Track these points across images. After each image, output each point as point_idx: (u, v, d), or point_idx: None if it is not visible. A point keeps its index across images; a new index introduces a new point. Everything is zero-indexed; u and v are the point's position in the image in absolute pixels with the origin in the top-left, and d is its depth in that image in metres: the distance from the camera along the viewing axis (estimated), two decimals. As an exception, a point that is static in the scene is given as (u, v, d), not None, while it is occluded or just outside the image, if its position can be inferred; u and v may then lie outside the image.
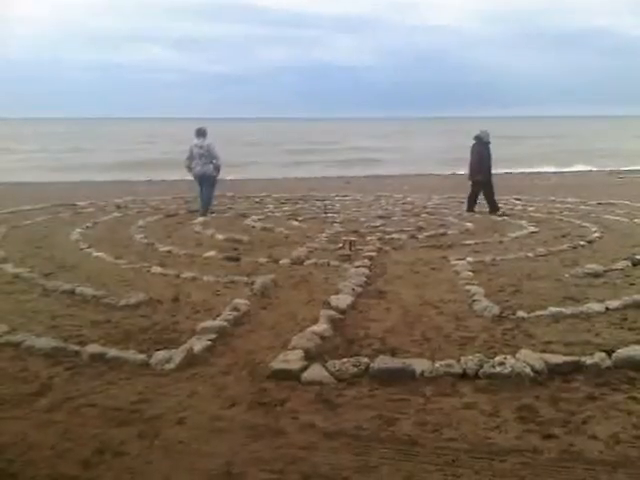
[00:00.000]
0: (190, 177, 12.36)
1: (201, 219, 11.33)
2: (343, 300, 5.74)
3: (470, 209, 12.30)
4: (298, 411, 3.63)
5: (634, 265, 7.16)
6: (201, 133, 12.04)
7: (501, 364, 4.06)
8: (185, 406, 3.71)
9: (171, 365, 4.27)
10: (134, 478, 2.99)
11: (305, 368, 4.13)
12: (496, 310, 5.43)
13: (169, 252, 8.44)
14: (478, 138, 12.13)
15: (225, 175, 13.71)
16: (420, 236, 9.58)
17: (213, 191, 12.31)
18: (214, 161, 11.91)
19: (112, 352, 4.49)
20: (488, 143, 12.12)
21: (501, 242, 9.07)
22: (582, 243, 8.71)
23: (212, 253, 8.21)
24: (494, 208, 12.08)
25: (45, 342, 4.67)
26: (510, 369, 4.01)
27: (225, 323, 5.12)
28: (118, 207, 13.35)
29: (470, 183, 12.36)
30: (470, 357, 4.21)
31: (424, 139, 59.55)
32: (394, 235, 9.60)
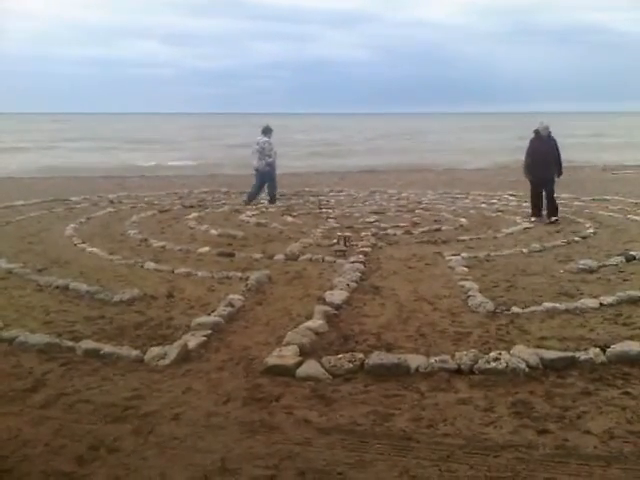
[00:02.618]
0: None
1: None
2: (338, 296, 5.74)
3: (534, 213, 10.64)
4: (293, 407, 3.63)
5: (628, 261, 7.19)
6: (264, 131, 13.29)
7: (496, 359, 4.08)
8: (180, 402, 3.71)
9: (166, 361, 4.26)
10: (129, 474, 2.98)
11: (300, 364, 4.13)
12: (491, 306, 5.45)
13: (163, 248, 8.42)
14: (537, 132, 10.65)
15: (219, 170, 13.75)
16: (415, 232, 9.59)
17: (255, 184, 13.32)
18: (266, 158, 13.03)
19: (106, 348, 4.48)
20: (549, 137, 10.61)
21: (495, 238, 9.09)
22: (576, 239, 8.74)
23: (206, 249, 8.19)
24: (551, 212, 10.48)
25: (39, 338, 4.66)
26: (505, 364, 4.02)
27: (220, 319, 5.12)
28: (112, 202, 13.31)
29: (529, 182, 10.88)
30: (465, 353, 4.22)
31: (446, 136, 56.82)
32: (389, 231, 9.62)
